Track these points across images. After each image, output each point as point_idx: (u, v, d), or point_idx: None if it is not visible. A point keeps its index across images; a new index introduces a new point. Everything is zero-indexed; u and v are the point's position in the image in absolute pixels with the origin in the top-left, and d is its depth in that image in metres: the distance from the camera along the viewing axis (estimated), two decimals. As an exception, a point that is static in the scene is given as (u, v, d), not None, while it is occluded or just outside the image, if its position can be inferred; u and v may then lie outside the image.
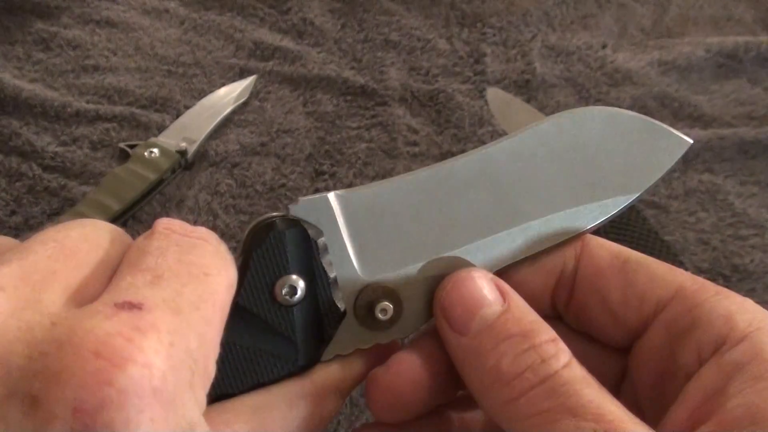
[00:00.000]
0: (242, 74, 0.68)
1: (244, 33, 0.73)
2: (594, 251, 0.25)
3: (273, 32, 0.74)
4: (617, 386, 0.26)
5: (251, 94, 0.66)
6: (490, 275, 0.23)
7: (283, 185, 0.58)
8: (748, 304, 0.22)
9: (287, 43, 0.72)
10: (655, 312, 0.23)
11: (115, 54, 0.70)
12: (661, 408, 0.23)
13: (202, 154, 0.61)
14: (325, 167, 0.60)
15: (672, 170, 0.26)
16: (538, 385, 0.20)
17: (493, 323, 0.22)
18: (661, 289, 0.23)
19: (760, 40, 0.70)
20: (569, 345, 0.23)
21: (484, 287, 0.23)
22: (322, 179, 0.59)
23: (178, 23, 0.74)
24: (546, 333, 0.22)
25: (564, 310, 0.26)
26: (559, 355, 0.21)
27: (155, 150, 0.59)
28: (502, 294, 0.23)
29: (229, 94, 0.66)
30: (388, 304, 0.25)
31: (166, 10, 0.76)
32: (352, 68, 0.70)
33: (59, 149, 0.60)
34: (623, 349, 0.25)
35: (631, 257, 0.24)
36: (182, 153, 0.59)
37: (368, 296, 0.25)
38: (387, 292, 0.25)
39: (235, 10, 0.76)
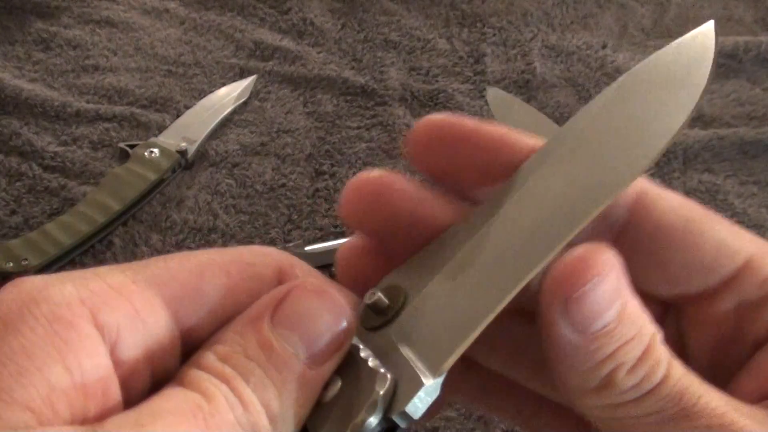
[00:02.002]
0: (242, 74, 0.68)
1: (244, 33, 0.73)
2: (653, 203, 0.22)
3: (273, 32, 0.74)
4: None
5: (251, 94, 0.66)
6: (617, 261, 0.20)
7: (283, 185, 0.59)
8: None
9: (287, 43, 0.72)
10: (720, 284, 0.22)
11: (115, 54, 0.70)
12: (721, 374, 0.22)
13: (202, 154, 0.61)
14: (325, 167, 0.60)
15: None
16: (650, 392, 0.19)
17: (613, 328, 0.19)
18: (728, 261, 0.21)
19: (760, 40, 0.70)
20: None
21: (616, 284, 0.19)
22: (322, 179, 0.59)
23: (178, 23, 0.74)
24: (651, 328, 0.20)
25: None
26: (664, 353, 0.20)
27: (155, 150, 0.59)
28: (620, 283, 0.20)
29: (229, 94, 0.66)
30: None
31: (166, 10, 0.76)
32: (352, 68, 0.70)
33: (59, 149, 0.60)
34: (666, 301, 0.24)
35: (694, 216, 0.22)
36: (182, 153, 0.59)
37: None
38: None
39: (235, 10, 0.76)
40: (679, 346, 0.23)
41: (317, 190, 0.58)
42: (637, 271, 0.22)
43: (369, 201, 0.23)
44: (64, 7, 0.74)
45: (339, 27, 0.75)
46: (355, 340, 0.20)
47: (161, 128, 0.63)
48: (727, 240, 0.21)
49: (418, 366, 0.19)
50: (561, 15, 0.76)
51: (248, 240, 0.54)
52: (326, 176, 0.59)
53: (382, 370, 0.19)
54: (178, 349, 0.19)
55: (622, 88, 0.22)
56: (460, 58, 0.71)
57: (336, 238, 0.54)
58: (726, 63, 0.69)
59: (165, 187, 0.58)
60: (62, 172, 0.59)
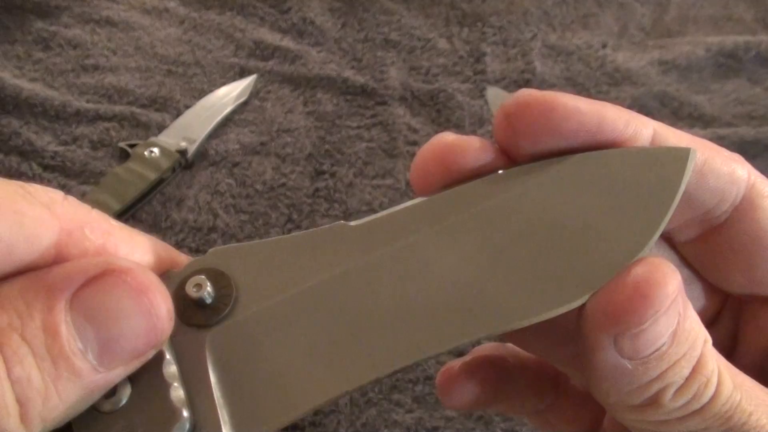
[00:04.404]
0: (242, 74, 0.68)
1: (244, 32, 0.73)
2: (760, 202, 0.20)
3: (273, 32, 0.74)
4: (710, 327, 0.23)
5: (251, 93, 0.66)
6: (679, 283, 0.17)
7: (283, 185, 0.59)
8: None
9: (287, 42, 0.72)
10: None
11: (115, 53, 0.70)
12: None
13: (202, 153, 0.61)
14: (325, 167, 0.60)
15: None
16: (698, 411, 0.18)
17: (665, 351, 0.17)
18: None
19: (760, 39, 0.70)
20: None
21: (675, 312, 0.17)
22: (322, 179, 0.59)
23: (178, 23, 0.74)
24: (701, 336, 0.18)
25: (681, 242, 0.22)
26: (714, 366, 0.18)
27: (155, 149, 0.59)
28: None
29: (229, 94, 0.66)
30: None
31: (166, 10, 0.76)
32: (352, 68, 0.70)
33: (59, 149, 0.60)
34: (728, 295, 0.23)
35: None
36: (182, 152, 0.59)
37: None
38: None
39: (235, 10, 0.76)
40: (731, 337, 0.23)
41: (317, 189, 0.58)
42: (719, 265, 0.22)
43: (444, 168, 0.21)
44: (64, 7, 0.74)
45: (339, 26, 0.75)
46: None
47: (161, 128, 0.63)
48: None
49: (225, 423, 0.17)
50: (561, 14, 0.76)
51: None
52: (326, 176, 0.59)
53: (185, 416, 0.17)
54: None
55: (576, 175, 0.19)
56: (460, 57, 0.71)
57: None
58: (726, 63, 0.69)
59: (165, 187, 0.58)
60: (62, 171, 0.59)
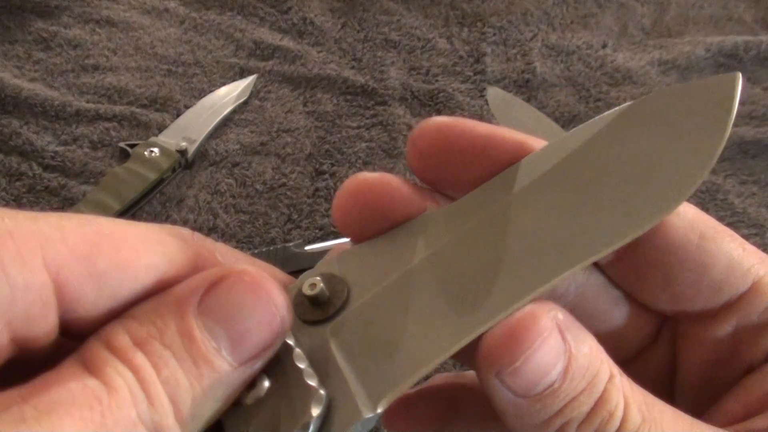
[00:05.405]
0: (242, 74, 0.68)
1: (244, 32, 0.73)
2: (667, 217, 0.21)
3: (273, 32, 0.74)
4: (647, 349, 0.24)
5: (251, 93, 0.66)
6: (557, 319, 0.18)
7: (284, 185, 0.59)
8: None
9: (287, 42, 0.72)
10: (727, 304, 0.21)
11: (115, 53, 0.70)
12: (709, 394, 0.22)
13: (202, 153, 0.61)
14: (325, 167, 0.60)
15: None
16: None
17: (558, 387, 0.18)
18: (737, 282, 0.21)
19: (760, 39, 0.70)
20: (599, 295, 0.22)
21: (556, 346, 0.18)
22: (322, 179, 0.59)
23: (178, 23, 0.74)
24: (606, 372, 0.18)
25: (604, 263, 0.23)
26: (620, 400, 0.18)
27: (155, 149, 0.59)
28: (564, 340, 0.18)
29: (229, 94, 0.66)
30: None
31: (166, 10, 0.76)
32: (353, 68, 0.70)
33: (59, 148, 0.60)
34: (661, 314, 0.23)
35: (707, 232, 0.21)
36: (182, 152, 0.59)
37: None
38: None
39: (236, 10, 0.76)
40: (670, 360, 0.23)
41: (317, 189, 0.58)
42: (641, 284, 0.22)
43: (364, 207, 0.21)
44: (64, 7, 0.74)
45: (339, 26, 0.75)
46: (288, 336, 0.19)
47: (161, 128, 0.63)
48: (737, 260, 0.21)
49: (358, 392, 0.18)
50: (561, 14, 0.76)
51: (248, 239, 0.54)
52: (326, 176, 0.59)
53: (321, 392, 0.18)
54: (53, 318, 0.16)
55: (634, 119, 0.21)
56: (460, 57, 0.71)
57: (336, 237, 0.54)
58: (726, 62, 0.69)
59: (165, 187, 0.58)
60: (62, 171, 0.59)
